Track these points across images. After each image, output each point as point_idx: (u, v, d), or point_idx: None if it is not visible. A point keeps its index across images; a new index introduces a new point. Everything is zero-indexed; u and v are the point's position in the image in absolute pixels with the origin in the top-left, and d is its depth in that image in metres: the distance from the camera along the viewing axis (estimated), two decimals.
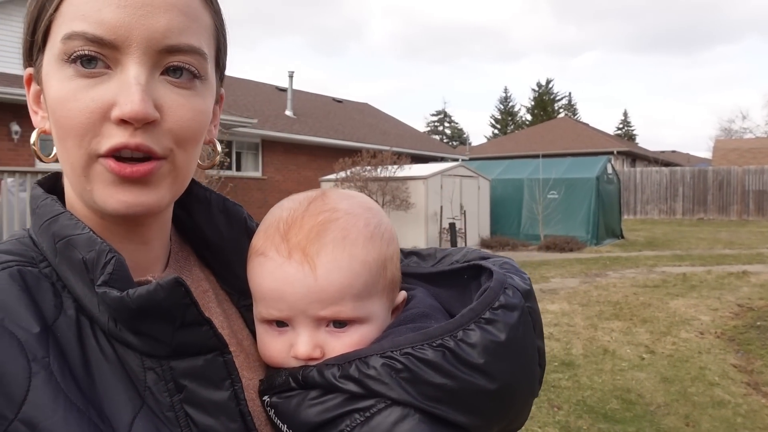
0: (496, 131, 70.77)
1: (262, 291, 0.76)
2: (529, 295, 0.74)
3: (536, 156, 20.36)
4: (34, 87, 0.73)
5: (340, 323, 0.74)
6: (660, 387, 5.58)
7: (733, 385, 5.66)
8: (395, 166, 15.92)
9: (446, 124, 71.16)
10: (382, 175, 15.68)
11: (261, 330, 0.79)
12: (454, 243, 14.69)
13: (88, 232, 0.66)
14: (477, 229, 17.58)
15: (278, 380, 0.74)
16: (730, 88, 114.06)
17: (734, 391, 5.52)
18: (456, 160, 24.35)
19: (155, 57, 0.65)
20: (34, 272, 0.67)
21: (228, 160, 16.86)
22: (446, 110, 71.79)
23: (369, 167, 15.84)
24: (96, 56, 0.64)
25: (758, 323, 7.91)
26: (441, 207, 15.91)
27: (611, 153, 32.81)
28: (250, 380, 0.78)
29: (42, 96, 0.71)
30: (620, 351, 6.68)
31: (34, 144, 0.76)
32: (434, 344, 0.67)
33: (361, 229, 0.76)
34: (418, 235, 15.54)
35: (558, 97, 71.07)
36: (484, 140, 59.60)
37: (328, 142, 21.70)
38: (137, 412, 0.63)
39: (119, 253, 0.66)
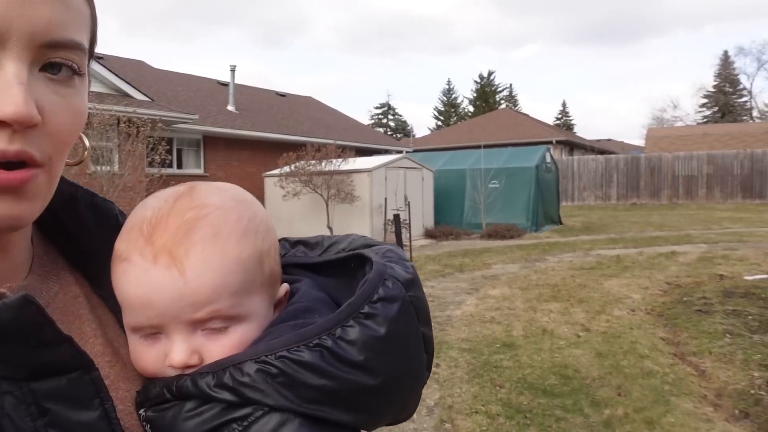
0: (439, 123, 71.58)
1: (129, 299, 0.70)
2: (411, 284, 0.72)
3: (478, 147, 20.78)
4: None
5: (218, 324, 0.70)
6: (595, 362, 5.90)
7: (661, 357, 6.05)
8: (340, 160, 15.98)
9: (390, 117, 71.56)
10: (326, 169, 15.72)
11: (132, 340, 0.73)
12: (398, 234, 14.89)
13: None
14: (421, 219, 17.87)
15: (153, 392, 0.70)
16: (662, 78, 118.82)
17: (662, 361, 5.90)
18: (400, 152, 24.55)
19: (35, 52, 0.59)
20: None
21: (169, 157, 16.56)
22: (390, 103, 72.04)
23: (313, 161, 15.86)
24: None
25: (684, 299, 8.41)
26: (385, 199, 16.08)
27: (550, 142, 33.69)
28: (127, 392, 0.72)
29: None
30: (558, 330, 7.00)
31: None
32: (311, 344, 0.65)
33: (233, 224, 0.71)
34: (363, 228, 15.69)
35: (499, 89, 72.40)
36: (428, 132, 60.14)
37: (271, 137, 21.54)
38: None
39: None
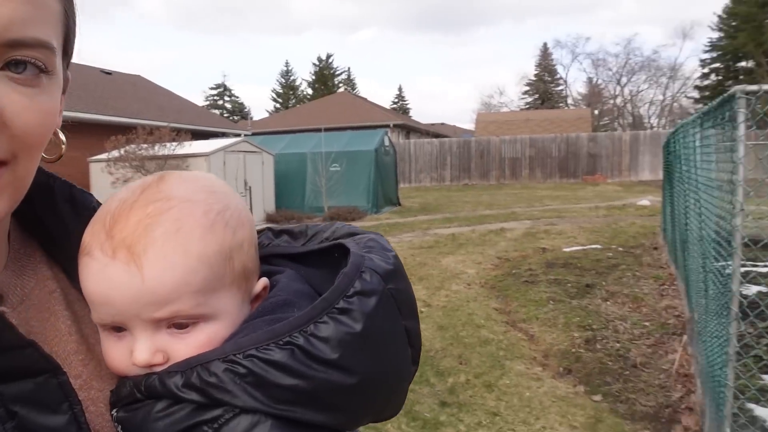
0: (278, 105, 70.75)
1: (90, 295, 0.68)
2: (391, 275, 0.68)
3: (318, 130, 20.84)
4: None
5: (182, 324, 0.67)
6: (437, 334, 6.21)
7: (496, 325, 6.51)
8: (174, 143, 15.22)
9: (227, 98, 69.11)
10: (160, 153, 14.89)
11: (102, 336, 0.71)
12: None
13: None
14: (262, 204, 17.59)
15: (124, 391, 0.67)
16: (490, 66, 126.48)
17: (496, 330, 6.36)
18: (238, 135, 23.88)
19: None
20: None
21: None
22: (226, 84, 69.47)
23: (145, 145, 14.94)
24: None
25: (513, 272, 9.12)
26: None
27: (388, 126, 34.70)
28: (100, 391, 0.71)
29: None
30: None
31: None
32: (281, 342, 0.62)
33: (199, 218, 0.67)
34: None
35: (338, 72, 73.07)
36: (267, 115, 59.21)
37: (97, 119, 19.89)
38: None
39: None
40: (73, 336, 0.72)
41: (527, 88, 67.87)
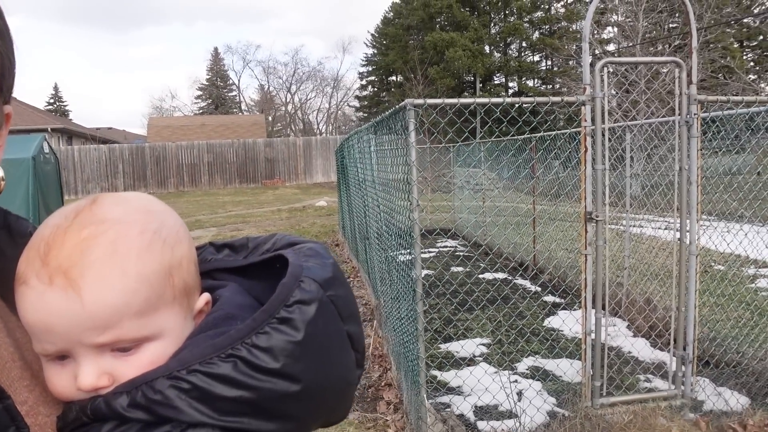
0: None
1: (29, 325, 0.66)
2: (330, 283, 0.70)
3: None
4: None
5: (125, 348, 0.66)
6: None
7: None
8: None
9: None
10: None
11: (44, 365, 0.70)
12: None
13: None
14: None
15: (70, 416, 0.66)
16: (160, 68, 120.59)
17: None
18: None
19: None
20: None
21: None
22: None
23: None
24: None
25: None
26: None
27: (45, 130, 30.86)
28: (47, 417, 0.70)
29: None
30: None
31: None
32: (224, 355, 0.63)
33: (134, 238, 0.67)
34: None
35: None
36: None
37: None
38: None
39: None
40: (17, 363, 0.72)
41: (200, 92, 67.14)
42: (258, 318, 0.65)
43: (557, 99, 4.14)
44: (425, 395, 3.72)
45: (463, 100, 3.93)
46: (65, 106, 70.21)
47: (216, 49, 72.95)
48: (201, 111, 63.97)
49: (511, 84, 50.82)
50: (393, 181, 4.77)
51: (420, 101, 3.94)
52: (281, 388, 0.64)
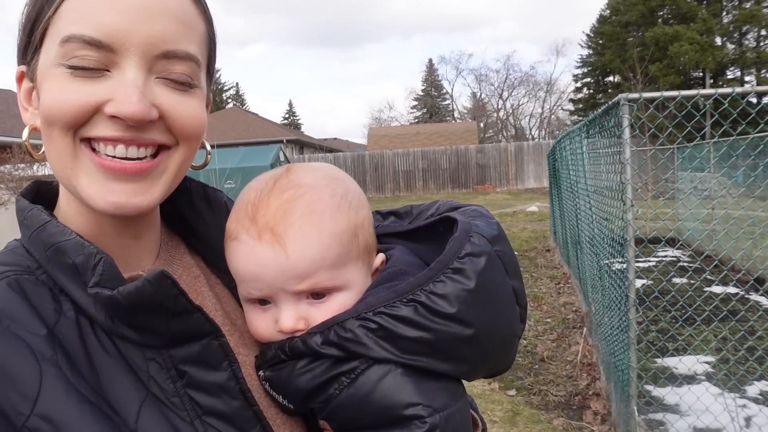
0: None
1: (240, 274, 0.78)
2: (496, 239, 0.76)
3: (210, 146, 20.33)
4: (26, 84, 0.73)
5: (319, 294, 0.76)
6: None
7: None
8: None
9: None
10: (40, 174, 13.91)
11: (247, 309, 0.81)
12: None
13: (75, 237, 0.67)
14: None
15: (269, 354, 0.77)
16: (379, 81, 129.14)
17: None
18: None
19: (152, 62, 0.67)
20: (31, 280, 0.69)
21: None
22: None
23: (23, 165, 13.90)
24: (94, 67, 0.65)
25: None
26: None
27: (281, 141, 34.38)
28: (246, 357, 0.80)
29: (35, 93, 0.71)
30: None
31: (25, 141, 0.74)
32: (405, 300, 0.70)
33: (327, 201, 0.76)
34: None
35: (226, 87, 71.48)
36: None
37: None
38: (143, 401, 0.66)
39: (107, 253, 0.67)
40: (218, 313, 0.83)
41: (415, 102, 69.74)
42: (434, 268, 0.71)
43: None
44: (636, 408, 3.48)
45: (684, 92, 3.60)
46: (298, 119, 77.89)
47: (430, 60, 75.50)
48: (416, 120, 66.43)
49: (747, 78, 44.93)
50: (606, 181, 4.53)
51: (635, 95, 3.70)
52: (456, 332, 0.70)
